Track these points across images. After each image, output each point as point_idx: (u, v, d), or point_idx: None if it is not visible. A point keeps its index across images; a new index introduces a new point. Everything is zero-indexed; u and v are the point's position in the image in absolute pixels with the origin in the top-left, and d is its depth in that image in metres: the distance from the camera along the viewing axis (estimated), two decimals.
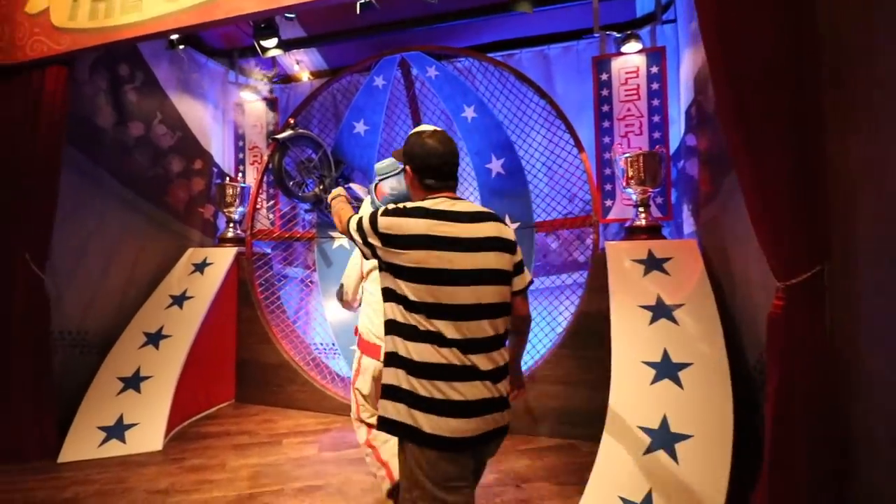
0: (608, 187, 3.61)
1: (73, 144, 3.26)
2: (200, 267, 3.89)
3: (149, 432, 2.96)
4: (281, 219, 4.33)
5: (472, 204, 1.38)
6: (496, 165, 3.67)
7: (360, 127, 4.04)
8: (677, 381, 2.29)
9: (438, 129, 1.42)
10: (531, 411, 3.09)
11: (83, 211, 3.37)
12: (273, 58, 4.47)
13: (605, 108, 3.64)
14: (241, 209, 4.17)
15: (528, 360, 3.34)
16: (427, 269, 1.23)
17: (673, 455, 2.10)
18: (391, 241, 1.26)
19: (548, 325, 3.38)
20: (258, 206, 4.14)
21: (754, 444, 2.16)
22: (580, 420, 2.98)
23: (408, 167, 1.40)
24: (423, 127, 1.44)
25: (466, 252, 1.25)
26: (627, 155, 3.13)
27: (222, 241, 4.16)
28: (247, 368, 3.93)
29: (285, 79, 4.79)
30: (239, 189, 4.16)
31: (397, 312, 1.27)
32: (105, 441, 2.88)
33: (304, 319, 4.34)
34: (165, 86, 4.01)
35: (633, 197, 3.17)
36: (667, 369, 2.35)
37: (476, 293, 1.24)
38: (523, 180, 3.59)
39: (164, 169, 4.02)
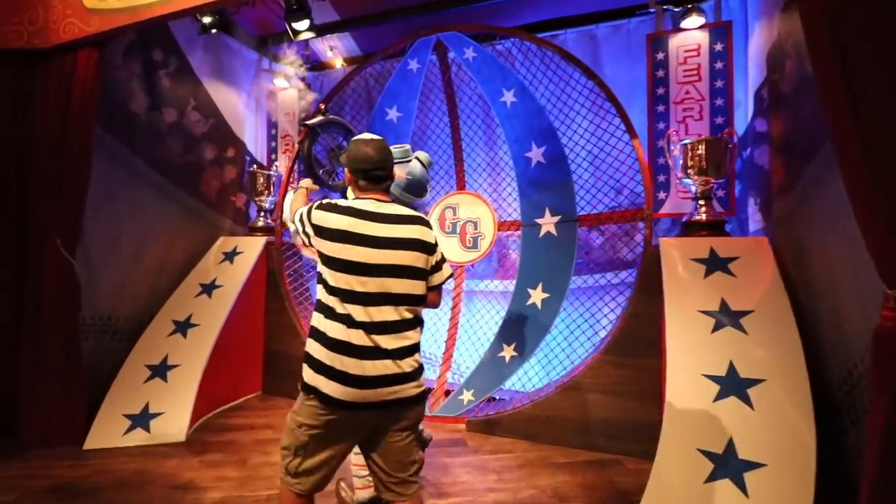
0: (661, 178, 3.28)
1: (107, 130, 3.24)
2: (230, 256, 3.84)
3: (173, 422, 2.91)
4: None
5: (401, 207, 1.56)
6: (537, 154, 3.40)
7: (392, 113, 3.86)
8: (746, 400, 1.99)
9: (377, 137, 1.60)
10: (571, 421, 2.84)
11: (116, 197, 3.35)
12: (306, 42, 4.36)
13: (660, 90, 3.31)
14: (271, 198, 4.09)
15: (568, 365, 3.08)
16: (343, 260, 1.42)
17: (741, 486, 1.81)
18: (319, 231, 1.46)
19: (590, 329, 3.10)
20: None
21: (839, 480, 1.83)
22: (626, 434, 2.70)
23: (347, 169, 1.59)
24: (365, 135, 1.62)
25: (381, 249, 1.44)
26: (687, 141, 2.80)
27: (253, 231, 4.09)
28: (274, 360, 3.85)
29: (318, 66, 4.67)
30: (270, 177, 4.07)
31: (322, 293, 1.46)
32: (130, 429, 2.84)
33: None
34: (199, 72, 3.96)
35: (692, 189, 2.84)
36: (733, 385, 2.04)
37: (384, 284, 1.42)
38: (566, 170, 3.31)
39: (197, 156, 3.98)
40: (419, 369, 1.49)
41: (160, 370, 3.13)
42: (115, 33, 2.78)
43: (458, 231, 3.61)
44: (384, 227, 1.46)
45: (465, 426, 3.10)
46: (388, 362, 1.40)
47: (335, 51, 4.56)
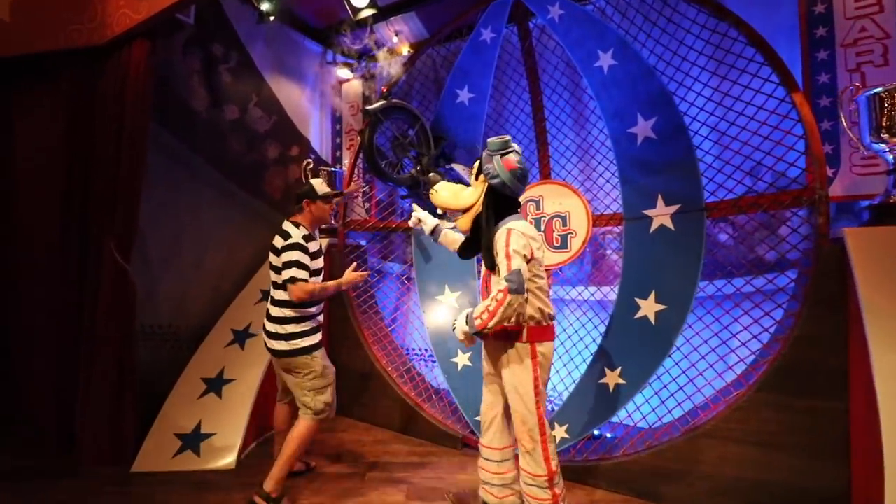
0: (826, 149, 2.42)
1: (166, 127, 3.08)
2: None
3: (224, 446, 2.62)
4: (377, 206, 3.84)
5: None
6: (644, 128, 2.69)
7: (463, 95, 3.35)
8: None
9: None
10: (707, 480, 2.10)
11: (177, 199, 3.19)
12: (370, 29, 4.01)
13: (820, 31, 2.46)
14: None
15: (687, 405, 2.34)
16: None
17: None
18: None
19: (714, 354, 2.33)
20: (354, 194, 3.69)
21: None
22: (787, 502, 1.92)
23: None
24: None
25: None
26: (879, 90, 1.96)
27: (324, 233, 3.79)
28: (338, 374, 3.49)
29: (385, 54, 4.31)
30: (332, 174, 3.75)
31: None
32: (180, 451, 2.59)
33: (400, 322, 3.80)
34: (261, 67, 3.76)
35: (889, 158, 1.99)
36: None
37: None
38: (686, 146, 2.55)
39: (261, 155, 3.77)
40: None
41: (216, 384, 2.88)
42: (164, 16, 2.57)
43: (542, 228, 3.00)
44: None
45: None
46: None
47: (401, 35, 4.16)
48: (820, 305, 1.93)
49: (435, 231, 2.38)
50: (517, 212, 1.93)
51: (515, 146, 1.91)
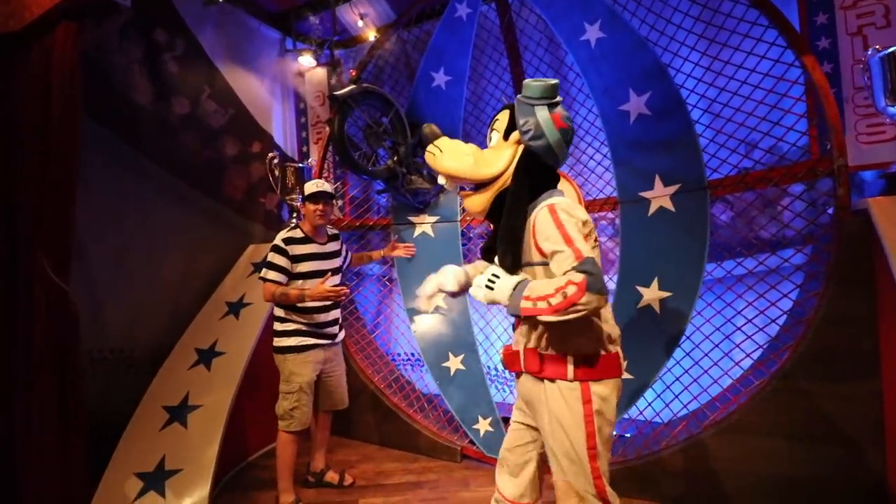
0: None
1: (104, 124, 2.70)
2: (260, 266, 3.22)
3: (193, 484, 2.29)
4: (350, 203, 3.55)
5: None
6: (638, 105, 2.51)
7: (439, 78, 3.09)
8: None
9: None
10: (740, 479, 1.94)
11: (123, 206, 2.81)
12: (333, 13, 3.70)
13: None
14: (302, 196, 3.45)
15: (701, 397, 2.18)
16: None
17: None
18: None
19: (729, 342, 2.17)
20: None
21: None
22: (835, 498, 1.78)
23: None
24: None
25: None
26: (894, 49, 1.83)
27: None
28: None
29: (350, 41, 4.00)
30: (301, 171, 3.43)
31: None
32: (142, 493, 2.25)
33: (383, 327, 3.53)
34: (212, 55, 3.39)
35: None
36: None
37: None
38: (684, 121, 2.38)
39: (217, 153, 3.41)
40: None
41: (179, 413, 2.54)
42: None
43: None
44: None
45: None
46: None
47: (367, 19, 3.86)
48: (845, 283, 1.79)
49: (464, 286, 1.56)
50: (556, 188, 1.38)
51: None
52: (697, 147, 2.35)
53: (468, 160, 1.39)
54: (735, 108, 2.26)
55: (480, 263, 1.59)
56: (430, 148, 1.47)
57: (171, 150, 3.08)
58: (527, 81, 1.34)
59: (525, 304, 1.18)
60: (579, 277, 1.10)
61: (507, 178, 1.35)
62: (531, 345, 1.34)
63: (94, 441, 2.35)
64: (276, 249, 2.28)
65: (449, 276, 1.55)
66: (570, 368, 1.27)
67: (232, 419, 2.53)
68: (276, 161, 3.20)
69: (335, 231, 2.53)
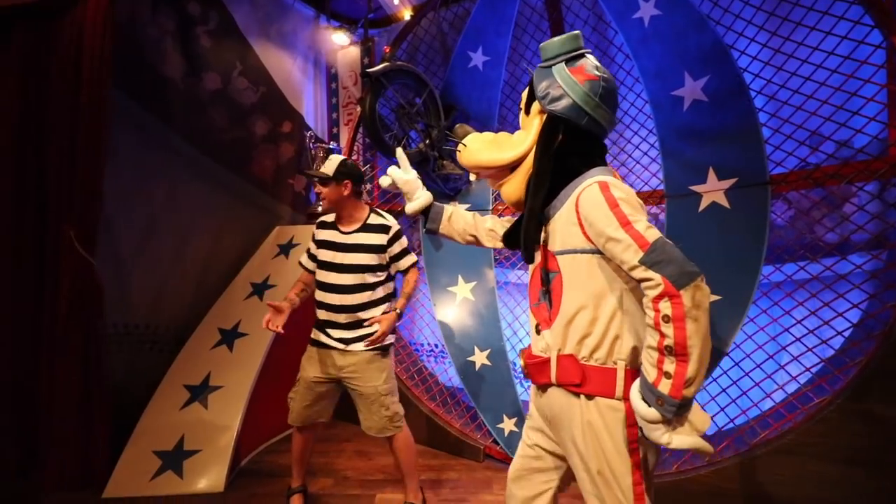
0: None
1: (136, 99, 2.67)
2: (286, 249, 3.18)
3: (211, 465, 2.27)
4: (379, 188, 3.44)
5: None
6: (693, 90, 2.30)
7: (477, 58, 2.94)
8: None
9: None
10: (768, 498, 1.77)
11: (151, 181, 2.79)
12: None
13: None
14: None
15: (751, 411, 2.00)
16: None
17: None
18: None
19: (786, 353, 1.98)
20: None
21: None
22: None
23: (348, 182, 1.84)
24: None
25: None
26: None
27: (311, 218, 3.41)
28: None
29: (385, 20, 3.87)
30: (330, 152, 3.35)
31: None
32: (159, 472, 2.23)
33: (407, 316, 3.44)
34: (245, 31, 3.32)
35: None
36: None
37: None
38: (745, 109, 2.16)
39: (247, 131, 3.36)
40: None
41: (200, 392, 2.52)
42: None
43: None
44: None
45: None
46: None
47: None
48: None
49: (430, 211, 1.45)
50: (604, 164, 1.16)
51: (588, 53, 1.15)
52: (760, 138, 2.13)
53: (489, 146, 1.25)
54: (806, 96, 2.03)
55: (461, 212, 1.47)
56: (458, 147, 1.32)
57: (201, 126, 3.04)
58: (543, 44, 1.16)
59: (664, 389, 0.91)
60: (657, 286, 0.89)
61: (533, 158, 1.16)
62: (568, 350, 1.09)
63: (115, 416, 2.35)
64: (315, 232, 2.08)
65: (411, 184, 1.46)
66: (620, 383, 1.02)
67: (252, 402, 2.49)
68: (313, 141, 3.13)
69: (384, 221, 2.03)
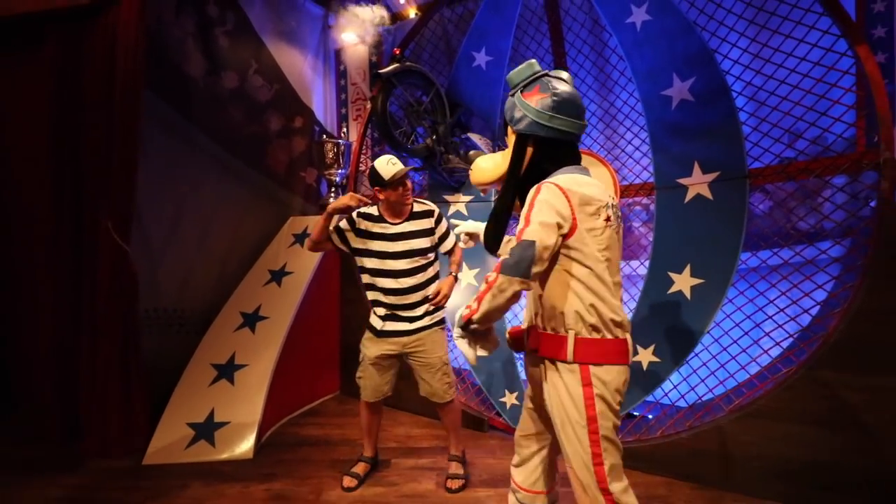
0: None
1: (161, 96, 2.84)
2: (300, 238, 3.38)
3: (240, 435, 2.49)
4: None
5: None
6: (681, 90, 2.50)
7: (480, 58, 3.12)
8: None
9: None
10: (756, 461, 2.00)
11: (176, 173, 2.98)
12: None
13: None
14: (342, 171, 3.57)
15: (728, 382, 2.23)
16: None
17: None
18: None
19: (759, 330, 2.21)
20: (361, 167, 3.48)
21: None
22: (853, 485, 1.83)
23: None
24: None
25: None
26: None
27: (322, 209, 3.60)
28: (352, 356, 3.32)
29: (392, 18, 4.04)
30: (340, 147, 3.54)
31: None
32: (193, 441, 2.45)
33: None
34: (260, 30, 3.49)
35: None
36: None
37: None
38: (727, 108, 2.37)
39: (262, 126, 3.54)
40: None
41: (227, 370, 2.73)
42: None
43: None
44: None
45: None
46: None
47: None
48: (882, 276, 1.80)
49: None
50: (575, 163, 1.32)
51: (553, 73, 1.33)
52: (740, 135, 2.34)
53: (492, 166, 1.44)
54: (781, 97, 2.24)
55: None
56: (471, 169, 1.52)
57: (221, 122, 3.22)
58: (507, 76, 1.37)
59: (462, 310, 1.24)
60: (502, 261, 1.17)
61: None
62: (534, 322, 1.34)
63: (150, 393, 2.56)
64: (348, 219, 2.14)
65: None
66: (570, 349, 1.22)
67: (275, 379, 2.71)
68: (324, 137, 3.31)
69: (426, 207, 2.22)
